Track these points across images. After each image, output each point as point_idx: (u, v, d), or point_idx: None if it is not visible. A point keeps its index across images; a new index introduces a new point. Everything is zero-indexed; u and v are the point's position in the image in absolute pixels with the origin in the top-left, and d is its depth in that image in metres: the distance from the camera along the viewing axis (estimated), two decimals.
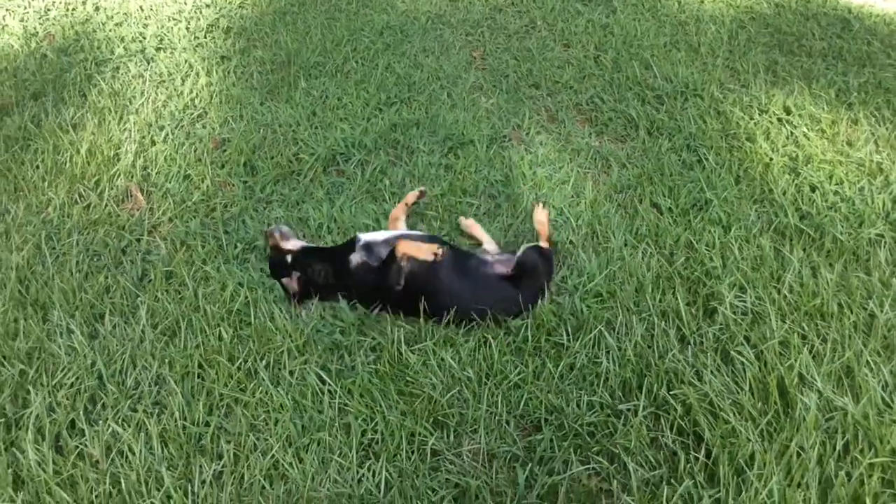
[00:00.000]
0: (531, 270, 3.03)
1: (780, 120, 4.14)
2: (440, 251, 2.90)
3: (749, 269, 3.14)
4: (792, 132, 4.02)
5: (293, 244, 3.12)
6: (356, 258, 2.99)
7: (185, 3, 5.28)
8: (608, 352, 2.80)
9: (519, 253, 3.08)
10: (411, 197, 3.37)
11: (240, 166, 3.74)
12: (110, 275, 3.14)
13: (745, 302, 2.98)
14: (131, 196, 3.56)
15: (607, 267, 3.17)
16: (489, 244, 3.31)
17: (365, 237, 3.06)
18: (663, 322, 2.92)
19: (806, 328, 2.86)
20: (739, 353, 2.73)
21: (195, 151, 3.85)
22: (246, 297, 3.02)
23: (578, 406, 2.62)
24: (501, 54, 4.91)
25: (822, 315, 2.91)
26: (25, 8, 5.18)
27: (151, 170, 3.72)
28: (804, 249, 3.26)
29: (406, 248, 2.91)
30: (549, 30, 5.22)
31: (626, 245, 3.32)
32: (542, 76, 4.63)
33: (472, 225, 3.40)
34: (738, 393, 2.59)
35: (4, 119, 4.08)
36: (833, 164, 3.75)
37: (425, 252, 2.90)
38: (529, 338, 2.86)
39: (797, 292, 3.02)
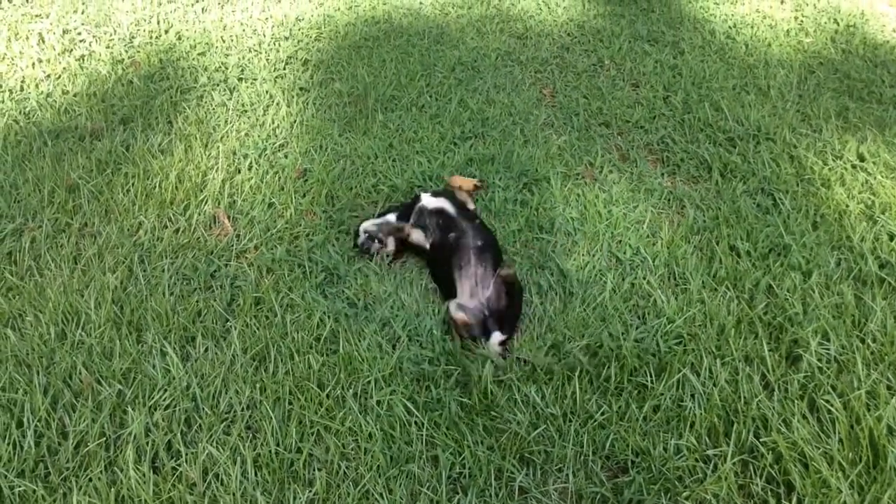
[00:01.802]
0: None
1: (854, 167, 4.13)
2: None
3: (831, 317, 3.13)
4: (867, 179, 4.01)
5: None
6: None
7: (264, 36, 5.43)
8: (693, 395, 2.81)
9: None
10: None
11: (321, 196, 3.83)
12: (201, 298, 3.23)
13: (829, 350, 2.98)
14: (218, 222, 3.66)
15: (687, 309, 3.19)
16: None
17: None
18: (747, 367, 2.92)
19: (892, 379, 2.85)
20: (827, 401, 2.72)
21: (279, 180, 3.95)
22: (332, 327, 3.09)
23: (665, 449, 2.63)
24: (571, 92, 4.97)
25: None
26: (111, 35, 5.36)
27: (237, 197, 3.83)
28: (885, 298, 3.25)
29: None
30: (617, 69, 5.28)
31: (704, 287, 3.33)
32: (612, 115, 4.68)
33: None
34: (828, 442, 2.59)
35: (95, 143, 4.22)
36: None
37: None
38: (612, 377, 2.88)
39: (880, 342, 3.01)
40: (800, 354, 2.95)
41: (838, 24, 5.89)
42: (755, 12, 6.08)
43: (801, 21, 5.95)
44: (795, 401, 2.77)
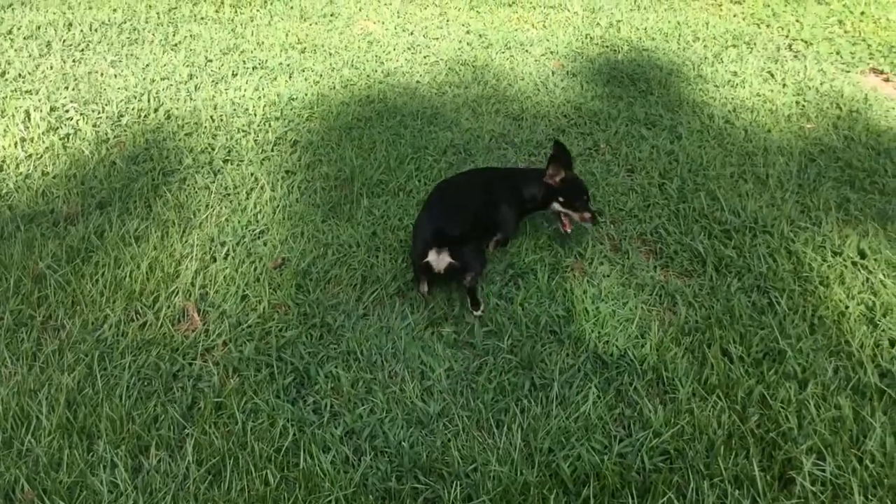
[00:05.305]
0: None
1: (854, 263, 3.96)
2: None
3: (827, 433, 2.94)
4: (868, 278, 3.84)
5: None
6: None
7: (255, 115, 5.37)
8: None
9: None
10: None
11: (293, 288, 3.69)
12: (160, 402, 3.06)
13: (824, 471, 2.77)
14: (187, 316, 3.52)
15: (675, 421, 3.00)
16: None
17: None
18: (737, 490, 2.72)
19: None
20: None
21: (254, 270, 3.82)
22: (295, 436, 2.91)
23: None
24: None
25: None
26: (99, 113, 5.32)
27: (210, 288, 3.69)
28: (885, 412, 3.05)
29: None
30: (612, 154, 5.18)
31: (694, 395, 3.15)
32: (606, 202, 4.56)
33: None
34: None
35: (69, 228, 4.11)
36: None
37: None
38: (591, 498, 2.69)
39: (879, 462, 2.81)
40: (793, 477, 2.75)
41: (841, 110, 5.80)
42: (756, 96, 6.01)
43: (803, 106, 5.86)
44: None
